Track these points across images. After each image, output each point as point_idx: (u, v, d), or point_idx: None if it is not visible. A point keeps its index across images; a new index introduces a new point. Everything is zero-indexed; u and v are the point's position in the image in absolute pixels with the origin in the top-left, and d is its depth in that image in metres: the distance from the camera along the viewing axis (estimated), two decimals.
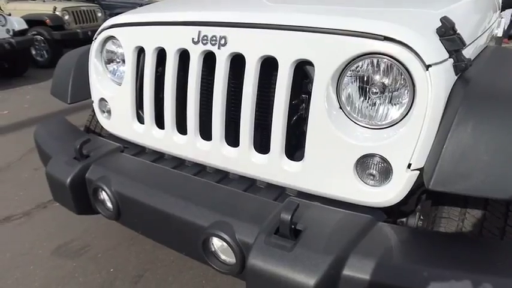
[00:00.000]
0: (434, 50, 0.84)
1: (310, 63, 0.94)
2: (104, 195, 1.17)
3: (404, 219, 1.13)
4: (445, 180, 0.76)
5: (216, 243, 0.92)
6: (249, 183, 1.12)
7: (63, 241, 1.90)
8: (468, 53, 1.00)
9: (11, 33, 4.94)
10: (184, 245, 1.00)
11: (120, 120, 1.39)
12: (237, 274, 0.90)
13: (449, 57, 0.86)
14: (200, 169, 1.23)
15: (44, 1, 6.61)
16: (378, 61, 0.87)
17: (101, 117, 1.48)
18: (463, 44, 0.85)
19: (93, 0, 8.09)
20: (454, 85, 0.86)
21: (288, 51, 0.95)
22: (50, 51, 5.94)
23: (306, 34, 0.92)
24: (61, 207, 1.36)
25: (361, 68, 0.89)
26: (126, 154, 1.32)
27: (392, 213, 1.06)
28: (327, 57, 0.91)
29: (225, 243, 0.88)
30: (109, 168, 1.20)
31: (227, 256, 0.92)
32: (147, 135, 1.31)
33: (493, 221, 0.94)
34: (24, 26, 5.34)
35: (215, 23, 1.07)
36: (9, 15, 5.46)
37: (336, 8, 1.02)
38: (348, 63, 0.90)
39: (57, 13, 6.13)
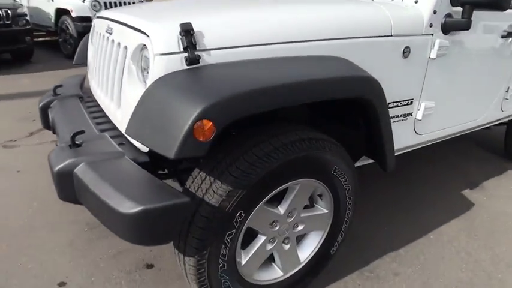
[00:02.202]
0: (167, 45, 1.21)
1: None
2: (50, 115, 1.89)
3: None
4: (131, 131, 1.17)
5: None
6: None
7: None
8: (230, 52, 1.26)
9: None
10: None
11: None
12: None
13: (183, 52, 1.21)
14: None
15: None
16: (144, 48, 1.30)
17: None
18: (193, 44, 1.19)
19: None
20: (181, 71, 1.21)
21: (121, 38, 1.46)
22: None
23: (125, 27, 1.42)
24: None
25: (142, 51, 1.33)
26: (77, 99, 1.99)
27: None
28: (130, 44, 1.38)
29: None
30: (59, 102, 1.91)
31: None
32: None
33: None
34: None
35: (110, 19, 1.65)
36: None
37: (148, 11, 1.47)
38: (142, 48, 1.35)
39: None
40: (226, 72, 1.19)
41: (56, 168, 1.26)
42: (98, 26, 1.91)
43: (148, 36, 1.25)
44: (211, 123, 1.02)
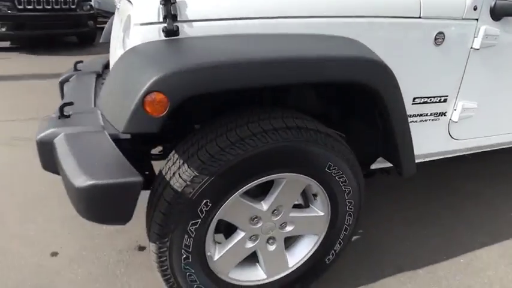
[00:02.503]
0: (147, 14, 1.12)
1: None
2: (65, 89, 1.93)
3: None
4: (100, 102, 1.11)
5: None
6: None
7: None
8: (216, 25, 1.14)
9: None
10: None
11: None
12: None
13: (162, 22, 1.12)
14: None
15: None
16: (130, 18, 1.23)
17: None
18: (172, 14, 1.09)
19: None
20: (154, 41, 1.12)
21: (122, 12, 1.42)
22: None
23: (125, 0, 1.37)
24: None
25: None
26: (94, 75, 2.01)
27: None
28: (124, 16, 1.32)
29: None
30: (76, 77, 1.94)
31: None
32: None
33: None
34: None
35: None
36: None
37: None
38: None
39: None
40: (201, 45, 1.08)
41: (38, 137, 1.25)
42: (118, 3, 1.91)
43: (132, 5, 1.19)
44: (162, 96, 0.91)
